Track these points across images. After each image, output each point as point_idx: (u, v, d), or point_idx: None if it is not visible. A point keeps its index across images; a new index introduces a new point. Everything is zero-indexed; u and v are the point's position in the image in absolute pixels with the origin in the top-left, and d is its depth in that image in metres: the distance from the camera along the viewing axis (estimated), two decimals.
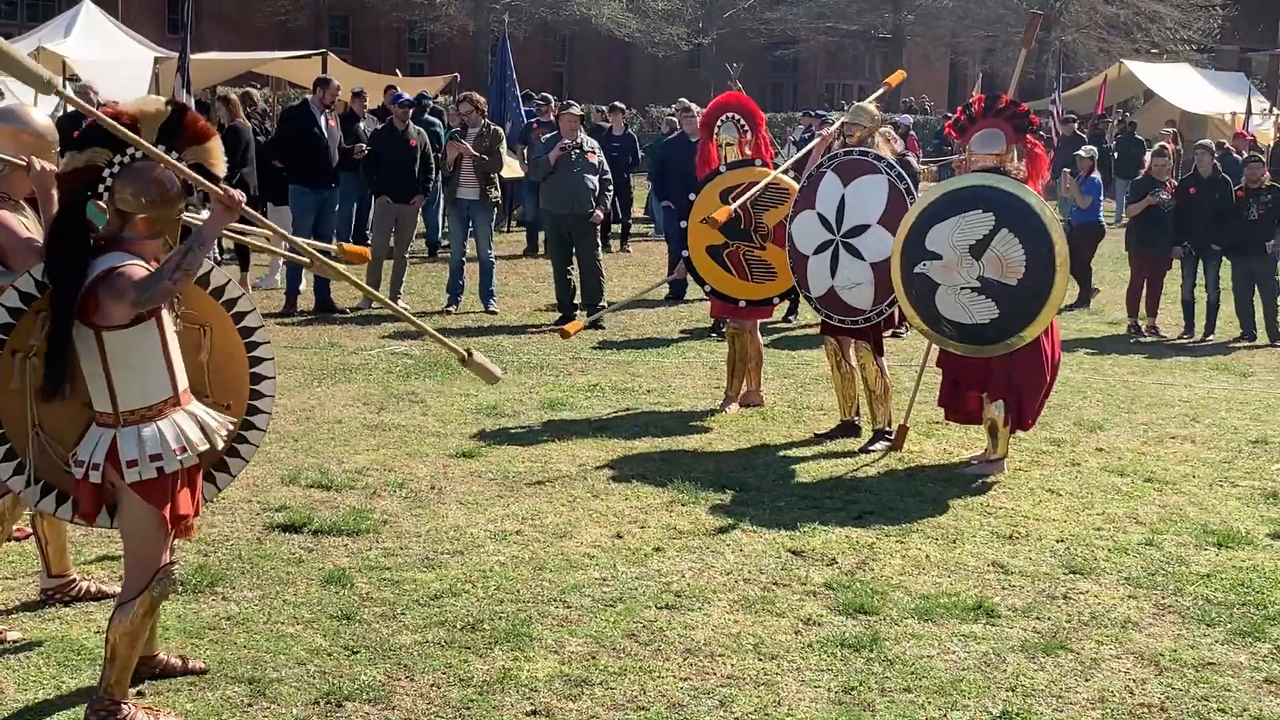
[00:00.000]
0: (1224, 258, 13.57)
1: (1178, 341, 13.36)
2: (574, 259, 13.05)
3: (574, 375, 10.81)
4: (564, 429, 8.98)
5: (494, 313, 13.61)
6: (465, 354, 5.48)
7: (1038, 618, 5.90)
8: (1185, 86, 33.18)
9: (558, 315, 13.26)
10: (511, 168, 17.66)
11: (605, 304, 12.78)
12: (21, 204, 5.11)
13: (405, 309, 5.15)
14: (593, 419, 9.31)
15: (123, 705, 4.60)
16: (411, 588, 6.01)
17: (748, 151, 9.67)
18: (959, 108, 8.66)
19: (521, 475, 7.85)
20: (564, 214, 12.96)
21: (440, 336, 5.59)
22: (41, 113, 5.43)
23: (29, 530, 5.90)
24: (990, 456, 8.17)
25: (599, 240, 13.47)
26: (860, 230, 8.54)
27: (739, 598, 6.04)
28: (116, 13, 26.03)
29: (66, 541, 5.73)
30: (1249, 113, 28.80)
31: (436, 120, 17.42)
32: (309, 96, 13.75)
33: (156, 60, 19.67)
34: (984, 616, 5.89)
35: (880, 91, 10.11)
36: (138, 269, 4.41)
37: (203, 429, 4.66)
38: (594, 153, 13.08)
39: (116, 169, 4.48)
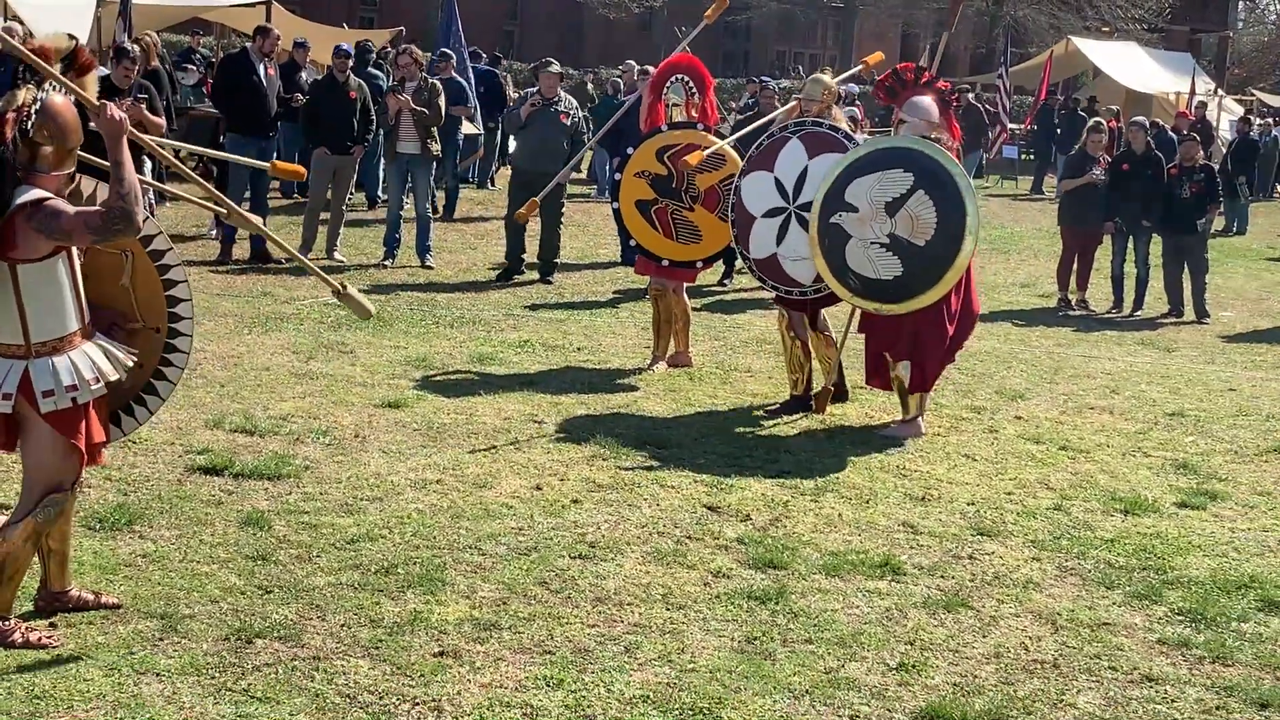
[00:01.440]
0: (1154, 234, 13.79)
1: (1106, 316, 13.59)
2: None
3: (505, 331, 10.86)
4: (491, 383, 9.05)
5: (430, 268, 13.62)
6: (340, 287, 5.54)
7: (942, 576, 6.04)
8: (1132, 65, 33.54)
9: (497, 272, 13.35)
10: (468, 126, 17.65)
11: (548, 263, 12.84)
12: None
13: (284, 244, 5.29)
14: (521, 374, 9.39)
15: (6, 620, 4.74)
16: (329, 532, 6.08)
17: (694, 114, 9.73)
18: (886, 72, 8.77)
19: (446, 426, 7.91)
20: (533, 170, 12.94)
21: (316, 270, 5.63)
22: None
23: None
24: (906, 417, 8.30)
25: (562, 200, 13.48)
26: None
27: (652, 550, 6.14)
28: None
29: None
30: (1193, 93, 29.16)
31: (379, 73, 17.35)
32: (248, 45, 13.68)
33: (99, 3, 19.37)
34: (890, 574, 6.02)
35: (856, 69, 10.26)
36: (59, 201, 4.49)
37: (109, 359, 4.74)
38: (567, 113, 13.11)
39: (39, 104, 4.54)
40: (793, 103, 9.43)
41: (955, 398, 9.34)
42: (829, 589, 5.80)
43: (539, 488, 6.91)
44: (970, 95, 26.57)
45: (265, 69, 13.22)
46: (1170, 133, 21.11)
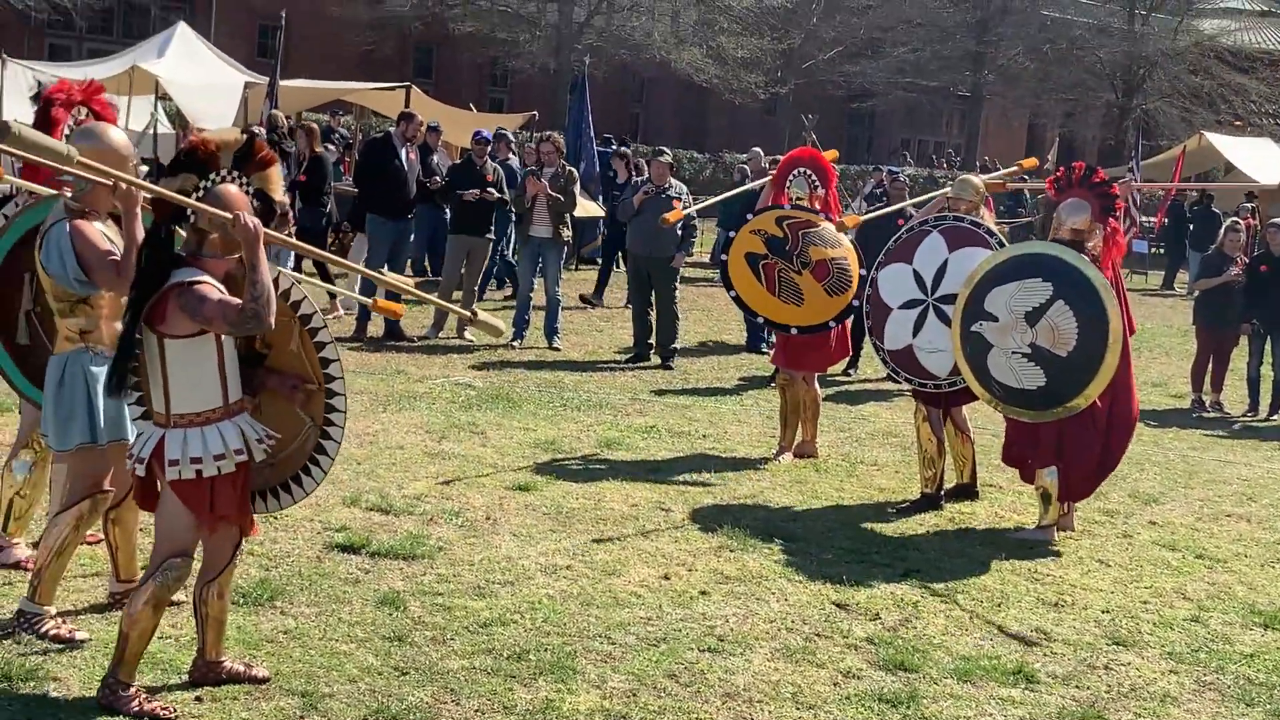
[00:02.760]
0: None
1: (1241, 419, 13.31)
2: (652, 300, 13.31)
3: (632, 416, 10.95)
4: (619, 468, 9.12)
5: (558, 350, 13.79)
6: (471, 314, 5.73)
7: (1077, 686, 5.95)
8: (1266, 160, 32.98)
9: (628, 355, 13.53)
10: (585, 208, 17.90)
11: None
12: (106, 218, 5.36)
13: (406, 282, 5.51)
14: (647, 460, 9.45)
15: (128, 688, 4.87)
16: (462, 614, 6.16)
17: (817, 206, 9.83)
18: (1060, 168, 8.73)
19: (575, 511, 7.99)
20: (645, 256, 13.23)
21: (444, 303, 5.77)
22: (120, 130, 5.68)
23: (100, 536, 6.10)
24: (1042, 522, 8.21)
25: (675, 284, 13.63)
26: (955, 299, 8.44)
27: (781, 646, 6.13)
28: (209, 35, 26.61)
29: (136, 548, 5.93)
30: None
31: (514, 158, 17.69)
32: (392, 129, 14.05)
33: (246, 85, 20.07)
34: (1023, 681, 5.94)
35: (1011, 170, 10.30)
36: (210, 287, 4.71)
37: (245, 439, 4.92)
38: (679, 198, 13.30)
39: (202, 192, 4.81)
40: (935, 195, 9.47)
41: (1088, 500, 9.19)
42: (961, 694, 5.74)
43: (667, 577, 6.93)
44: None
45: (407, 153, 13.58)
46: None
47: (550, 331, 13.98)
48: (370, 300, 6.18)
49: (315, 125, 15.43)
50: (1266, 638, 6.75)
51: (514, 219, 15.06)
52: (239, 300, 4.68)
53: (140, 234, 4.99)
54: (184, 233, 4.88)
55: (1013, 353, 7.99)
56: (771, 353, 10.19)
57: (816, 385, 10.01)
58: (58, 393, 5.46)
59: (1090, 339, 7.84)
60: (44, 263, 5.31)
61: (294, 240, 5.72)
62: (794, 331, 9.66)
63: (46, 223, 5.35)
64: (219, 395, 4.85)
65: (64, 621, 5.58)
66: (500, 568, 6.87)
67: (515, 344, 13.77)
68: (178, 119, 20.97)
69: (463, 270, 13.96)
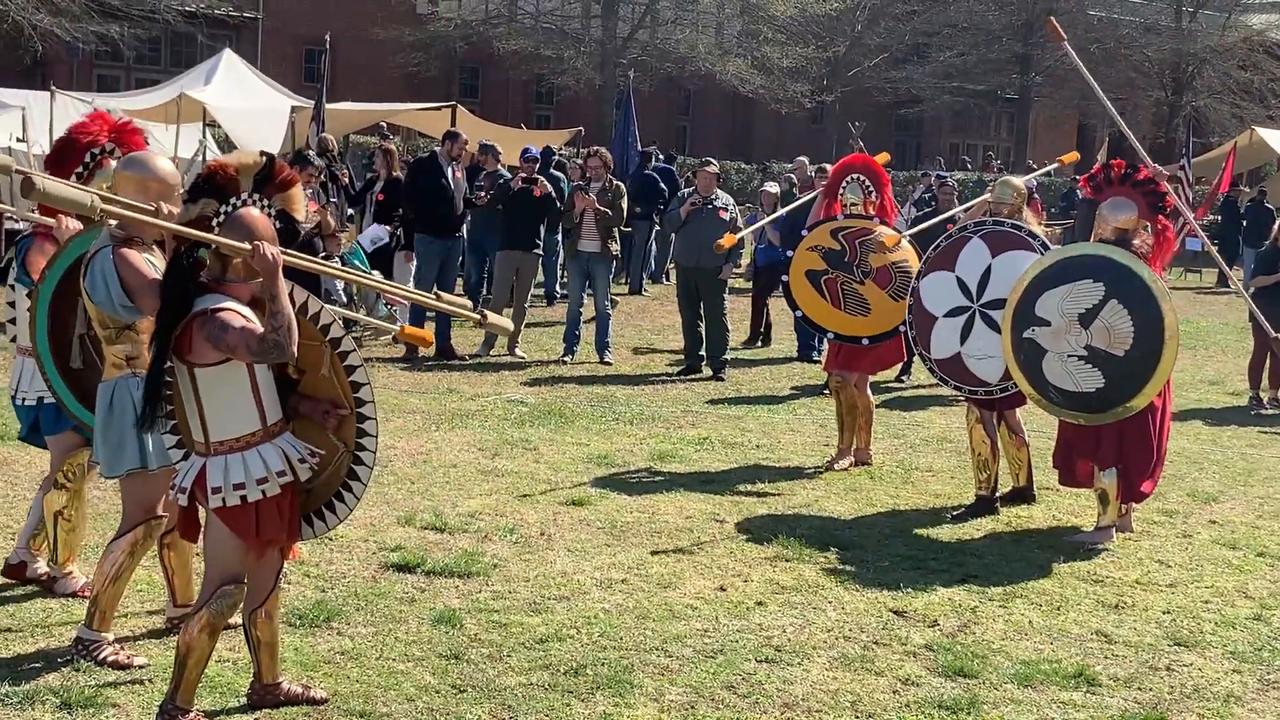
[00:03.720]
0: None
1: None
2: (701, 311, 13.32)
3: (684, 428, 10.94)
4: (672, 481, 9.12)
5: (609, 364, 13.81)
6: (480, 317, 5.77)
7: (1139, 688, 5.89)
8: None
9: (680, 367, 13.54)
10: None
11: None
12: (151, 245, 5.40)
13: (409, 290, 5.61)
14: (701, 472, 9.44)
15: (187, 713, 4.90)
16: (518, 631, 6.17)
17: (872, 212, 9.82)
18: (1097, 165, 8.67)
19: (629, 525, 7.99)
20: (693, 267, 13.23)
21: (450, 308, 5.73)
22: (166, 159, 5.74)
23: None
24: (1101, 524, 8.14)
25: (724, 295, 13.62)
26: (1003, 304, 8.33)
27: (839, 655, 6.10)
28: (255, 61, 26.91)
29: (193, 573, 5.98)
30: None
31: (561, 175, 17.77)
32: (437, 149, 14.15)
33: (293, 109, 20.26)
34: (1085, 685, 5.88)
35: (1052, 167, 10.26)
36: (234, 314, 4.68)
37: (288, 460, 4.89)
38: (726, 209, 13.30)
39: (222, 218, 4.76)
40: (978, 201, 9.41)
41: (1147, 501, 9.10)
42: (1022, 699, 5.70)
43: (723, 588, 6.92)
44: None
45: (453, 172, 13.66)
46: None
47: (601, 346, 14.01)
48: (397, 328, 6.19)
49: (393, 147, 15.57)
50: None
51: (562, 233, 15.12)
52: (259, 330, 4.66)
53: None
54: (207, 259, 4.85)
55: (1068, 356, 7.92)
56: (823, 359, 10.14)
57: (869, 393, 9.96)
58: (107, 419, 5.49)
59: (1146, 337, 7.77)
60: (89, 290, 5.34)
61: (328, 266, 5.73)
62: (865, 342, 9.66)
63: (90, 250, 5.40)
64: (256, 419, 4.83)
65: (122, 647, 5.64)
66: (555, 583, 6.88)
67: (566, 359, 13.80)
68: (226, 145, 21.19)
69: (512, 286, 14.02)
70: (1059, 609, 6.87)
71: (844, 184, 9.89)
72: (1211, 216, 28.72)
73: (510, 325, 5.90)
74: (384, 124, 22.22)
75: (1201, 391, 14.16)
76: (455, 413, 10.94)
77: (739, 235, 11.73)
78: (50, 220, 5.97)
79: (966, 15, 40.98)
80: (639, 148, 20.25)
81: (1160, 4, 44.14)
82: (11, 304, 6.32)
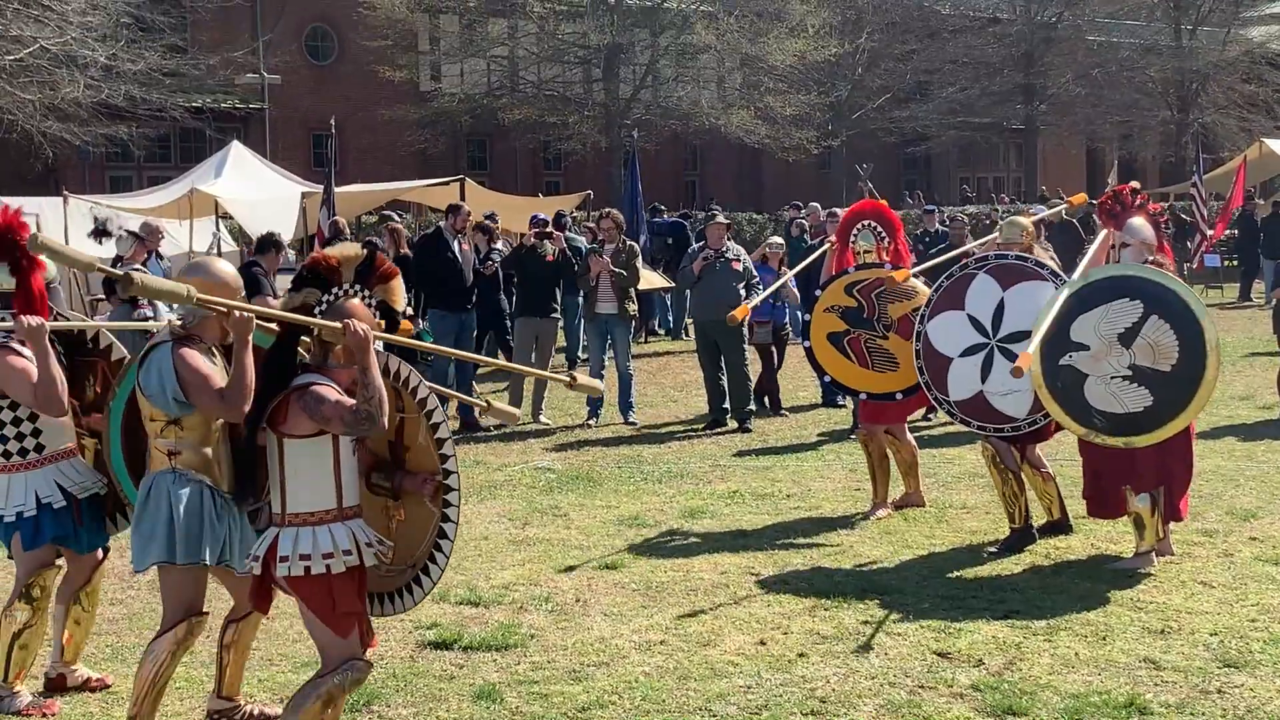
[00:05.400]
0: None
1: None
2: (722, 364, 13.28)
3: (714, 483, 10.90)
4: (705, 537, 9.07)
5: (634, 424, 13.78)
6: (486, 404, 5.99)
7: (1191, 714, 5.80)
8: None
9: (702, 425, 13.51)
10: (648, 280, 17.98)
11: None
12: (212, 349, 5.46)
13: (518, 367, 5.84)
14: (733, 526, 9.39)
15: None
16: (559, 700, 6.12)
17: (885, 258, 9.70)
18: (1107, 193, 8.68)
19: (664, 585, 7.94)
20: (711, 321, 13.21)
21: (544, 373, 5.93)
22: (226, 263, 5.80)
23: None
24: (1140, 549, 8.05)
25: (744, 346, 13.59)
26: (1023, 336, 8.22)
27: (885, 702, 6.03)
28: (264, 150, 27.15)
29: (243, 668, 5.95)
30: None
31: (577, 237, 17.84)
32: (442, 224, 14.24)
33: (303, 195, 20.41)
34: (1136, 714, 5.81)
35: (1061, 208, 10.22)
36: (330, 389, 4.85)
37: (356, 543, 4.97)
38: (738, 260, 13.31)
39: (324, 306, 4.97)
40: (987, 241, 9.37)
41: (1185, 521, 9.00)
42: None
43: (763, 643, 6.85)
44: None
45: (460, 245, 13.72)
46: None
47: (625, 407, 13.98)
48: (484, 402, 6.26)
49: (400, 226, 15.66)
50: None
51: (580, 297, 15.15)
52: (351, 403, 4.80)
53: (250, 361, 5.14)
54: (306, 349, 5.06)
55: (1111, 378, 7.84)
56: (849, 406, 10.07)
57: (909, 436, 9.89)
58: (142, 511, 5.47)
59: (1190, 350, 7.72)
60: (143, 382, 5.39)
61: (422, 344, 5.92)
62: (899, 397, 9.52)
63: (149, 344, 5.47)
64: (333, 498, 4.94)
65: None
66: (594, 649, 6.83)
67: (591, 423, 13.77)
68: (240, 236, 21.34)
69: (533, 351, 14.03)
70: (1104, 639, 6.79)
71: (855, 231, 9.81)
72: (1229, 231, 28.65)
73: (601, 386, 6.04)
74: (382, 208, 22.26)
75: (1232, 407, 14.03)
76: (483, 484, 10.92)
77: (751, 304, 11.52)
78: (6, 325, 5.84)
79: (965, 50, 41.13)
80: (643, 209, 20.32)
81: (1159, 24, 44.28)
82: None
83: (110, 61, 25.44)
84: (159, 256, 15.96)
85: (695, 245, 14.37)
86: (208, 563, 5.44)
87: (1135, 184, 8.86)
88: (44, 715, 6.06)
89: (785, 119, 36.12)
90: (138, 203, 21.51)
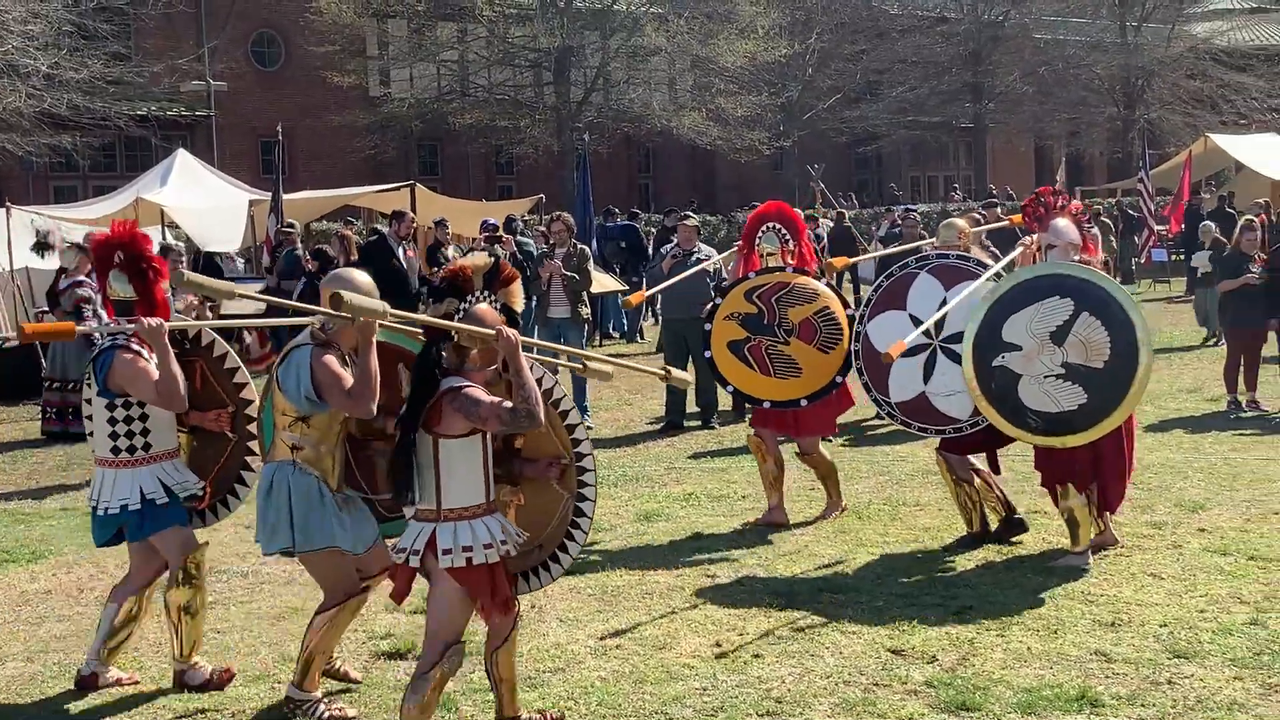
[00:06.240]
0: None
1: (1279, 415, 13.15)
2: (690, 363, 13.30)
3: (669, 485, 10.91)
4: (661, 540, 9.08)
5: (590, 427, 13.76)
6: (666, 372, 6.35)
7: (1143, 705, 5.86)
8: (1274, 155, 32.83)
9: (659, 426, 13.51)
10: (601, 283, 17.97)
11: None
12: (346, 354, 5.86)
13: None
14: (689, 529, 9.39)
15: None
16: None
17: (789, 260, 9.42)
18: (1030, 197, 8.73)
19: (620, 589, 7.94)
20: (679, 319, 13.21)
21: (643, 368, 6.60)
22: (364, 274, 6.06)
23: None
24: (1076, 548, 8.03)
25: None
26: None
27: (840, 701, 6.06)
28: (211, 158, 26.95)
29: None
30: None
31: (529, 240, 17.81)
32: (386, 230, 14.21)
33: (251, 203, 20.28)
34: (1088, 707, 5.86)
35: (1004, 224, 10.22)
36: (480, 390, 5.31)
37: (505, 532, 5.48)
38: (706, 259, 13.31)
39: (462, 313, 5.41)
40: (924, 244, 9.36)
41: (1134, 514, 9.11)
42: None
43: (719, 644, 6.87)
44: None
45: (405, 251, 13.68)
46: None
47: (580, 409, 13.93)
48: (610, 369, 6.55)
49: (351, 235, 15.59)
50: None
51: (533, 302, 15.11)
52: (507, 402, 5.24)
53: (375, 362, 5.66)
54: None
55: (1045, 376, 7.83)
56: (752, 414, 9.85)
57: (824, 450, 9.68)
58: (265, 500, 5.97)
59: (1122, 345, 7.74)
60: (280, 377, 5.88)
61: (549, 345, 6.68)
62: (804, 403, 9.23)
63: (291, 345, 5.94)
64: (483, 493, 5.41)
65: (332, 702, 6.13)
66: (550, 655, 6.82)
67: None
68: (188, 245, 21.16)
69: None
70: (1056, 632, 6.84)
71: (760, 234, 9.53)
72: (1169, 231, 28.93)
73: (689, 378, 6.21)
74: (333, 214, 22.19)
75: (1180, 400, 14.18)
76: None
77: (649, 293, 11.32)
78: (129, 326, 6.26)
79: (914, 50, 41.42)
80: (591, 210, 20.32)
81: (1105, 21, 44.68)
82: (89, 417, 6.48)
83: (53, 70, 25.15)
84: None
85: (665, 246, 14.31)
86: (341, 548, 5.98)
87: (1058, 185, 8.95)
88: (223, 682, 6.50)
89: (737, 120, 36.25)
90: (82, 213, 21.30)
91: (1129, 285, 25.99)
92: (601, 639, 7.05)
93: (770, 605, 7.47)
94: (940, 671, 6.36)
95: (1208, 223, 21.14)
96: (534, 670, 6.59)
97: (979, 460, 8.71)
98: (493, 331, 5.31)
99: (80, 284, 13.76)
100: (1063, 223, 8.25)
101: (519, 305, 5.65)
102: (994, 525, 8.70)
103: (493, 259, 5.63)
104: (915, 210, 17.74)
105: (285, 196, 18.24)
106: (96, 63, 26.56)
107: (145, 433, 6.32)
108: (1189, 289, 26.13)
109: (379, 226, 14.64)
